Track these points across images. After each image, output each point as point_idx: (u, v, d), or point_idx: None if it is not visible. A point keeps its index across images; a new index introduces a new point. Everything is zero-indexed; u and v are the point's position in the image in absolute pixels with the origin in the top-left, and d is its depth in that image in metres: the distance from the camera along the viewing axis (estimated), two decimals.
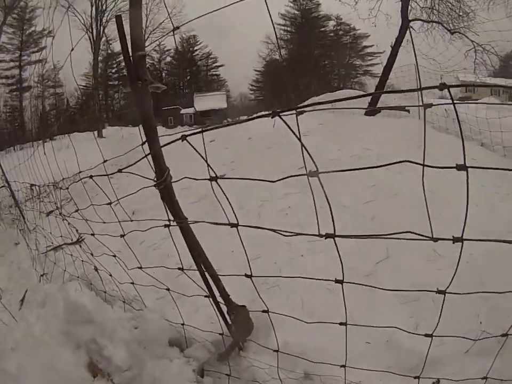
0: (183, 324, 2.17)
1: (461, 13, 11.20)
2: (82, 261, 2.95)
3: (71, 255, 3.12)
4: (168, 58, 36.38)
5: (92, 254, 2.74)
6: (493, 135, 6.73)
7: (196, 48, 37.19)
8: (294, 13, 35.57)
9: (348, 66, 36.49)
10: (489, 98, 14.04)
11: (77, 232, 3.08)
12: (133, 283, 2.37)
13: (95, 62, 25.96)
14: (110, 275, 2.63)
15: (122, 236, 2.06)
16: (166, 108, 32.29)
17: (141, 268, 2.10)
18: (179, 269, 1.75)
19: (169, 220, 1.65)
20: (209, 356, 2.10)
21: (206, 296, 1.94)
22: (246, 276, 1.43)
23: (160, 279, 2.37)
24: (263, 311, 1.55)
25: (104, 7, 25.76)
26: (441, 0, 11.37)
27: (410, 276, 2.76)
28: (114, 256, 2.41)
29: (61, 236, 3.39)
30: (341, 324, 1.40)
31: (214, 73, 38.77)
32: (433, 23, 11.72)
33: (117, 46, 31.78)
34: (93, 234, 2.40)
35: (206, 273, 1.90)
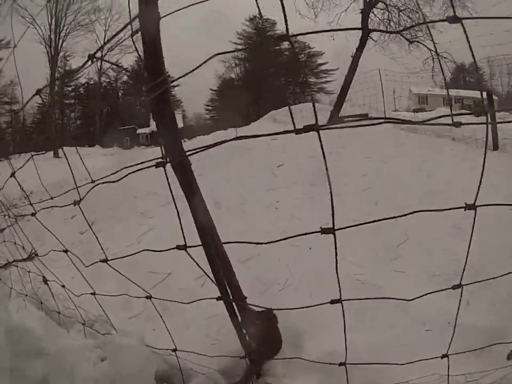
0: (174, 350, 1.57)
1: (420, 21, 11.69)
2: (28, 271, 2.33)
3: (17, 266, 2.47)
4: (125, 77, 35.23)
5: (36, 254, 2.07)
6: (464, 130, 6.84)
7: None
8: (250, 32, 36.09)
9: (303, 84, 37.39)
10: (442, 109, 14.70)
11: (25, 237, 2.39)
12: (94, 293, 1.78)
13: (52, 77, 24.40)
14: (63, 286, 2.03)
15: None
16: (122, 127, 31.10)
17: (106, 260, 1.48)
18: (179, 248, 1.16)
19: (163, 158, 1.06)
20: None
21: (218, 298, 1.37)
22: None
23: (130, 292, 1.89)
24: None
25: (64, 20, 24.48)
26: (400, 11, 11.81)
27: (438, 252, 2.57)
28: (66, 251, 1.76)
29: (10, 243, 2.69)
30: None
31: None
32: (392, 34, 12.16)
33: (74, 63, 30.49)
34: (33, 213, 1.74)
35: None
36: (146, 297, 1.57)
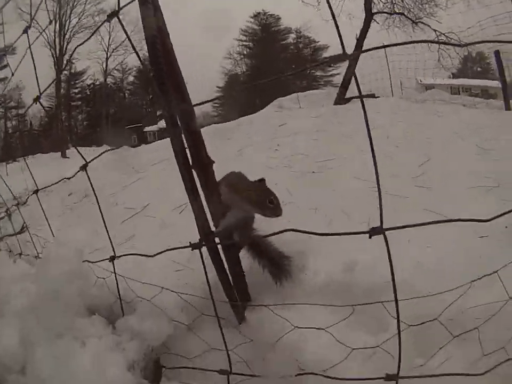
0: (112, 258, 1.29)
1: (423, 1, 11.34)
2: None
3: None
4: (131, 78, 35.17)
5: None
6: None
7: None
8: (254, 28, 35.69)
9: (309, 77, 36.80)
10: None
11: None
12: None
13: (57, 79, 24.43)
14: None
15: None
16: (129, 126, 31.09)
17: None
18: None
19: None
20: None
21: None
22: None
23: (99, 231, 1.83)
24: None
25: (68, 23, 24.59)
26: None
27: (463, 172, 2.24)
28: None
29: None
30: None
31: None
32: (396, 15, 11.82)
33: (79, 65, 30.62)
34: None
35: None
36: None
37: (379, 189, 0.74)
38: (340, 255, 1.40)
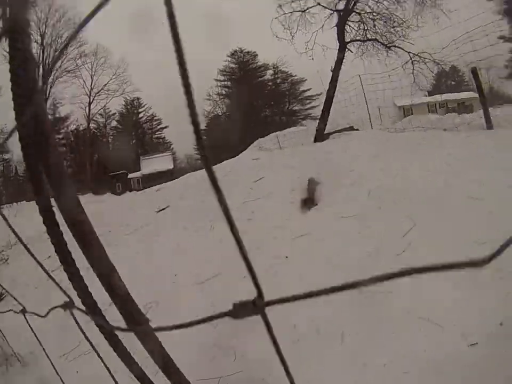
0: None
1: (395, 25, 11.62)
2: None
3: None
4: (114, 123, 35.21)
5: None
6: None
7: (140, 110, 36.25)
8: (232, 67, 36.48)
9: (289, 112, 37.42)
10: (428, 115, 14.49)
11: None
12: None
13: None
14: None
15: None
16: (113, 173, 30.70)
17: None
18: None
19: None
20: None
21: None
22: None
23: None
24: None
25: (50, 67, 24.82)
26: (373, 18, 11.76)
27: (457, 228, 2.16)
28: None
29: None
30: None
31: (158, 135, 37.67)
32: (369, 42, 12.08)
33: (63, 110, 30.69)
34: None
35: None
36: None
37: None
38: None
